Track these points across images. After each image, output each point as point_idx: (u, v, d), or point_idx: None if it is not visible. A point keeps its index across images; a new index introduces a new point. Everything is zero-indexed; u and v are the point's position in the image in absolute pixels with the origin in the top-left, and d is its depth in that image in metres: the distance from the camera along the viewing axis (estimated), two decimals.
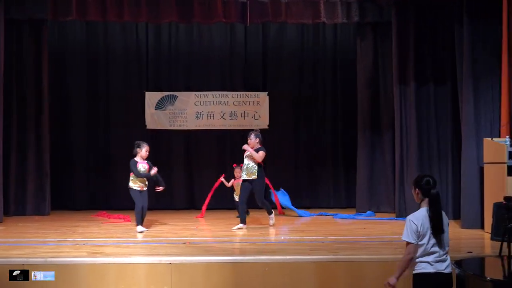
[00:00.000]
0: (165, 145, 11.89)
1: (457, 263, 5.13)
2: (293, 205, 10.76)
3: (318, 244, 7.52)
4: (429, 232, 4.50)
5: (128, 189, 8.58)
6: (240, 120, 11.71)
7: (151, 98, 11.86)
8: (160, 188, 8.77)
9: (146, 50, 12.00)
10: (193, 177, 11.90)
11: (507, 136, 8.28)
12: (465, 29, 9.11)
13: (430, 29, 10.14)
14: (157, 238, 8.00)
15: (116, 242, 7.74)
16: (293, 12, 10.31)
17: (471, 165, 9.00)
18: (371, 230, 8.81)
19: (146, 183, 8.60)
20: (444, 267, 4.56)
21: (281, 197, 10.75)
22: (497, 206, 7.68)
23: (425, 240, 4.50)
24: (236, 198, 9.64)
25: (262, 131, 11.95)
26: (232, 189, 10.27)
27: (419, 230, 4.49)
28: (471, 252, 6.65)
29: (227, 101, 11.93)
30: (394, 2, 10.18)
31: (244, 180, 8.79)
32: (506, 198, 6.16)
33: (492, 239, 7.67)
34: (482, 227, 8.70)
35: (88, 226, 9.30)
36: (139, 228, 8.46)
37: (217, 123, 11.87)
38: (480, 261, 5.90)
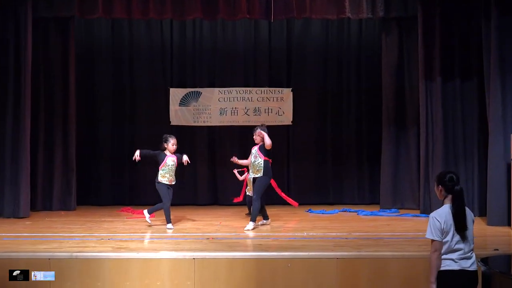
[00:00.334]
0: (189, 141, 11.92)
1: (483, 260, 5.07)
2: (317, 202, 10.70)
3: (341, 240, 7.50)
4: (452, 229, 4.45)
5: (154, 184, 8.62)
6: (264, 116, 11.69)
7: (175, 94, 11.92)
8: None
9: (171, 47, 12.06)
10: (216, 173, 11.93)
11: None
12: (492, 22, 8.98)
13: (457, 23, 10.01)
14: (180, 234, 8.06)
15: (140, 238, 7.82)
16: (317, 7, 10.25)
17: (497, 161, 8.88)
18: (395, 227, 8.75)
19: (174, 177, 8.63)
20: (469, 264, 4.51)
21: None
22: None
23: (448, 237, 4.46)
24: (249, 193, 9.46)
25: (286, 127, 12.07)
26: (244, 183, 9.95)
27: (442, 227, 4.44)
28: (497, 250, 6.56)
29: (251, 97, 11.93)
30: None
31: (253, 178, 8.71)
32: None
33: None
34: (509, 224, 8.58)
35: (113, 221, 9.40)
36: (170, 225, 8.52)
37: (241, 119, 11.88)
38: (506, 259, 5.82)
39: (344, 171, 11.97)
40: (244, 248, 7.18)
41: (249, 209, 9.37)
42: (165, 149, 8.64)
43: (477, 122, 9.97)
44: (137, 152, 8.57)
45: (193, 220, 9.51)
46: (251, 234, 8.11)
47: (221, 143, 11.98)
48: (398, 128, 10.96)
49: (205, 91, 11.93)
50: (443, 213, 4.48)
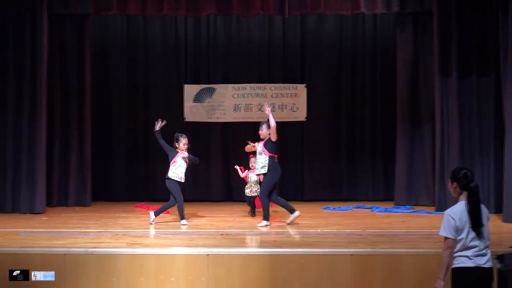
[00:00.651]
0: (203, 137, 11.97)
1: (499, 257, 5.02)
2: (331, 198, 10.66)
3: (355, 237, 7.48)
4: (467, 226, 4.41)
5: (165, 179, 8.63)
6: (278, 112, 11.66)
7: (190, 91, 11.94)
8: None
9: (185, 43, 12.08)
10: (230, 169, 11.91)
11: None
12: (510, 16, 8.88)
13: (473, 18, 9.91)
14: (195, 230, 8.09)
15: (154, 233, 7.86)
16: (332, 3, 10.20)
17: None
18: (410, 224, 8.71)
19: (184, 174, 8.63)
20: (484, 261, 4.47)
21: None
22: None
23: (463, 234, 4.42)
24: (247, 192, 9.32)
25: (300, 123, 12.04)
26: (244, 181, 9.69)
27: (457, 224, 4.41)
28: None
29: (265, 94, 11.92)
30: None
31: (258, 174, 8.61)
32: None
33: None
34: None
35: (127, 217, 9.46)
36: (184, 221, 8.54)
37: (255, 116, 11.86)
38: None
39: (359, 168, 11.93)
40: (258, 244, 7.19)
41: (250, 207, 9.24)
42: (176, 147, 8.64)
43: (493, 118, 9.87)
44: (160, 125, 8.58)
45: (207, 216, 9.54)
46: (264, 230, 8.11)
47: (235, 139, 11.98)
48: (413, 124, 10.89)
49: (219, 88, 11.94)
50: (458, 211, 4.44)
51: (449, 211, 4.49)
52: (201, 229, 8.19)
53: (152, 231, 8.07)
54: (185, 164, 8.60)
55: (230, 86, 11.94)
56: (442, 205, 9.81)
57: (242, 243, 7.25)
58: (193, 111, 11.92)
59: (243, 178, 9.69)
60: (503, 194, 9.01)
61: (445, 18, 9.97)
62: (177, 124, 11.13)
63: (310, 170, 11.99)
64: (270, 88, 11.93)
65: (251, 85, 11.94)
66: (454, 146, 9.91)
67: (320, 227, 8.28)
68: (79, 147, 10.90)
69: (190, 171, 10.65)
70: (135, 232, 7.85)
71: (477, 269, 4.44)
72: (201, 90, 11.95)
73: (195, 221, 8.98)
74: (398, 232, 7.91)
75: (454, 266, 4.49)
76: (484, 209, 4.52)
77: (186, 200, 8.77)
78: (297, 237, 7.66)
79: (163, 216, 9.10)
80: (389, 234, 7.68)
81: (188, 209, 9.72)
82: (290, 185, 11.62)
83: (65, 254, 6.32)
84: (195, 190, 11.81)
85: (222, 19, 11.83)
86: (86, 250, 6.40)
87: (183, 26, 12.04)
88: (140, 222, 8.76)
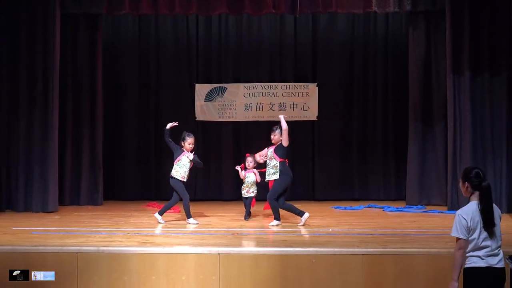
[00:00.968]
0: (214, 136, 11.99)
1: (511, 257, 4.99)
2: (342, 198, 10.61)
3: (367, 236, 7.45)
4: (479, 226, 4.38)
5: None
6: (289, 112, 11.66)
7: (201, 90, 11.96)
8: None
9: (196, 43, 12.10)
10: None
11: None
12: None
13: (486, 17, 9.86)
14: (206, 229, 8.10)
15: (166, 232, 7.88)
16: (343, 2, 10.18)
17: None
18: (421, 223, 8.66)
19: (188, 174, 8.60)
20: (496, 261, 4.44)
21: None
22: None
23: (475, 235, 4.39)
24: (243, 193, 9.01)
25: (311, 122, 12.02)
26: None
27: (469, 225, 4.38)
28: None
29: (276, 93, 11.91)
30: None
31: (268, 181, 8.41)
32: None
33: None
34: None
35: (139, 216, 9.48)
36: (192, 220, 8.54)
37: (266, 115, 11.87)
38: None
39: (370, 167, 11.90)
40: (269, 244, 7.17)
41: (245, 208, 9.04)
42: (182, 146, 8.65)
43: (506, 118, 9.82)
44: (171, 125, 8.58)
45: (218, 216, 9.54)
46: (275, 229, 8.10)
47: (246, 139, 11.99)
48: (425, 124, 10.84)
49: (231, 87, 11.95)
50: (470, 211, 4.41)
51: (460, 211, 4.46)
52: (212, 228, 8.20)
53: (163, 230, 8.09)
54: (189, 164, 8.59)
55: (241, 85, 11.95)
56: (454, 205, 9.76)
57: (253, 243, 7.24)
58: (204, 111, 11.93)
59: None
60: None
61: (457, 17, 9.92)
62: (188, 124, 11.15)
63: (321, 170, 11.97)
64: (281, 87, 11.92)
65: (262, 84, 11.94)
66: (467, 146, 9.85)
67: (331, 227, 8.26)
68: (91, 146, 10.95)
69: (201, 170, 10.69)
70: (147, 231, 7.87)
71: (489, 269, 4.41)
72: (212, 89, 11.96)
73: (206, 220, 8.99)
74: (409, 232, 7.87)
75: (466, 266, 4.47)
76: (496, 209, 4.49)
77: (197, 199, 8.82)
78: (308, 236, 7.65)
79: (174, 215, 9.13)
80: (400, 234, 7.64)
81: (199, 208, 9.76)
82: (301, 185, 11.61)
83: (77, 252, 6.34)
84: (206, 190, 11.84)
85: (234, 18, 11.83)
86: (98, 249, 6.43)
87: (195, 26, 12.06)
88: (151, 221, 8.79)
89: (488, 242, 4.41)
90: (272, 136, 8.49)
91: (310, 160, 11.99)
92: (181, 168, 8.53)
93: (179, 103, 11.96)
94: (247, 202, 9.05)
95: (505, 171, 9.78)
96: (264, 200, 9.08)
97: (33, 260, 6.29)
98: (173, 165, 8.59)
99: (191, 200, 8.73)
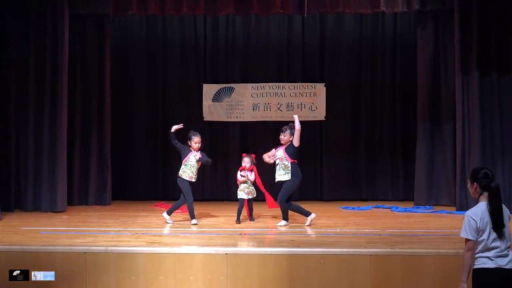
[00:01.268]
0: (222, 136, 12.00)
1: None
2: (350, 198, 10.57)
3: (374, 237, 7.43)
4: (489, 227, 4.36)
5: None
6: (297, 112, 11.63)
7: (209, 90, 11.97)
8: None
9: (204, 43, 12.11)
10: None
11: None
12: None
13: (495, 16, 9.82)
14: (213, 229, 8.10)
15: (173, 232, 7.89)
16: (351, 2, 10.15)
17: None
18: (429, 224, 8.63)
19: (196, 174, 8.61)
20: (506, 262, 4.42)
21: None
22: None
23: (485, 236, 4.37)
24: (240, 195, 8.76)
25: (319, 122, 12.00)
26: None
27: (478, 226, 4.36)
28: None
29: (284, 93, 11.91)
30: None
31: (278, 182, 8.30)
32: None
33: None
34: None
35: (146, 216, 9.50)
36: (194, 221, 8.54)
37: (274, 115, 11.87)
38: None
39: (378, 167, 11.87)
40: (277, 244, 7.17)
41: (248, 211, 8.92)
42: (189, 145, 8.65)
43: None
44: (176, 128, 8.54)
45: (226, 216, 9.53)
46: (283, 229, 8.10)
47: (254, 139, 12.00)
48: (433, 124, 10.79)
49: (238, 87, 11.96)
50: (479, 212, 4.38)
51: (469, 212, 4.44)
52: (219, 228, 8.20)
53: (171, 230, 8.10)
54: (197, 164, 8.58)
55: (249, 85, 11.95)
56: (463, 205, 9.73)
57: (260, 243, 7.24)
58: (211, 111, 11.94)
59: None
60: None
61: (466, 16, 9.88)
62: (196, 124, 11.14)
63: (329, 170, 11.95)
64: (289, 87, 11.92)
65: (270, 84, 11.94)
66: (475, 146, 9.81)
67: (338, 227, 8.25)
68: (99, 146, 10.98)
69: (209, 170, 10.69)
70: (154, 231, 7.88)
71: (498, 270, 4.39)
72: (220, 89, 11.97)
73: (213, 221, 8.99)
74: (417, 232, 7.84)
75: (475, 267, 4.45)
76: (505, 209, 4.47)
77: (205, 200, 8.81)
78: (315, 236, 7.63)
79: (181, 215, 9.14)
80: (408, 234, 7.62)
81: (206, 208, 9.76)
82: (309, 185, 11.59)
83: (85, 252, 6.36)
84: (214, 190, 11.84)
85: (241, 18, 11.83)
86: (106, 249, 6.44)
87: (202, 26, 12.07)
88: (159, 221, 8.80)
89: (497, 243, 4.38)
90: (281, 136, 8.43)
91: (318, 160, 11.98)
92: (188, 169, 8.53)
93: (186, 103, 11.99)
94: (249, 205, 8.87)
95: None
96: (263, 200, 9.07)
97: (42, 260, 6.31)
98: (181, 165, 8.59)
99: (198, 200, 8.76)
